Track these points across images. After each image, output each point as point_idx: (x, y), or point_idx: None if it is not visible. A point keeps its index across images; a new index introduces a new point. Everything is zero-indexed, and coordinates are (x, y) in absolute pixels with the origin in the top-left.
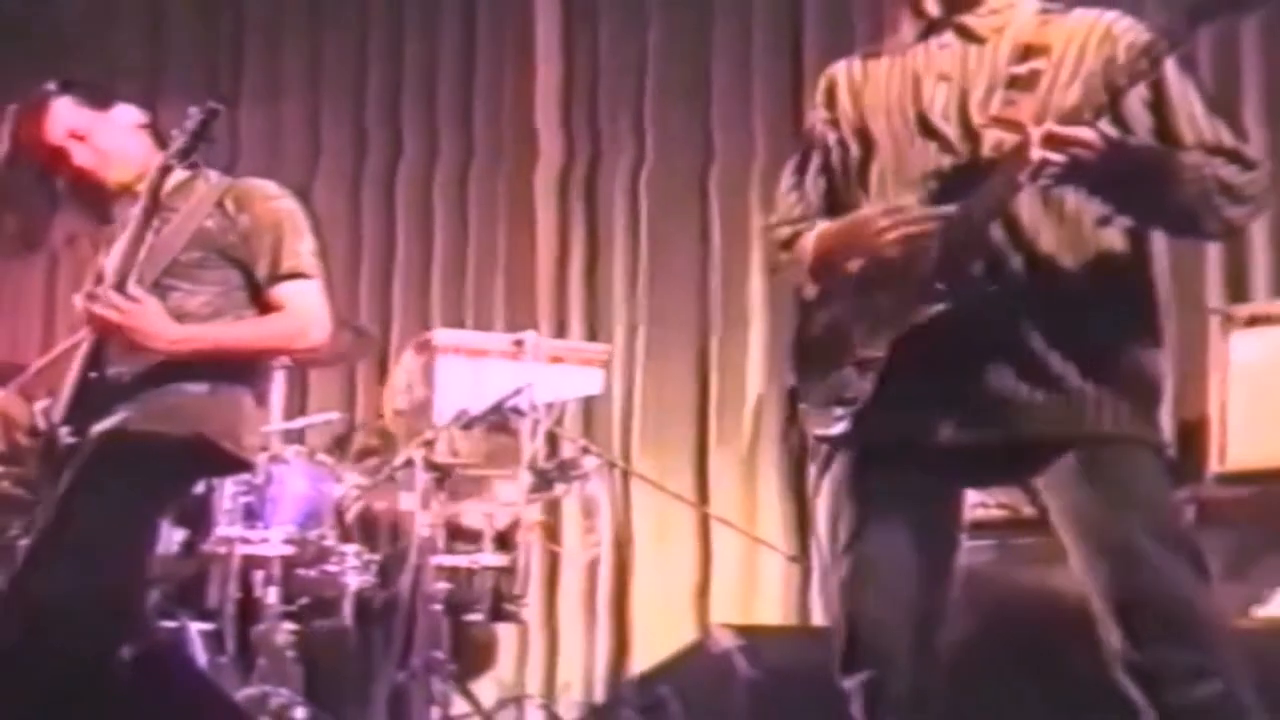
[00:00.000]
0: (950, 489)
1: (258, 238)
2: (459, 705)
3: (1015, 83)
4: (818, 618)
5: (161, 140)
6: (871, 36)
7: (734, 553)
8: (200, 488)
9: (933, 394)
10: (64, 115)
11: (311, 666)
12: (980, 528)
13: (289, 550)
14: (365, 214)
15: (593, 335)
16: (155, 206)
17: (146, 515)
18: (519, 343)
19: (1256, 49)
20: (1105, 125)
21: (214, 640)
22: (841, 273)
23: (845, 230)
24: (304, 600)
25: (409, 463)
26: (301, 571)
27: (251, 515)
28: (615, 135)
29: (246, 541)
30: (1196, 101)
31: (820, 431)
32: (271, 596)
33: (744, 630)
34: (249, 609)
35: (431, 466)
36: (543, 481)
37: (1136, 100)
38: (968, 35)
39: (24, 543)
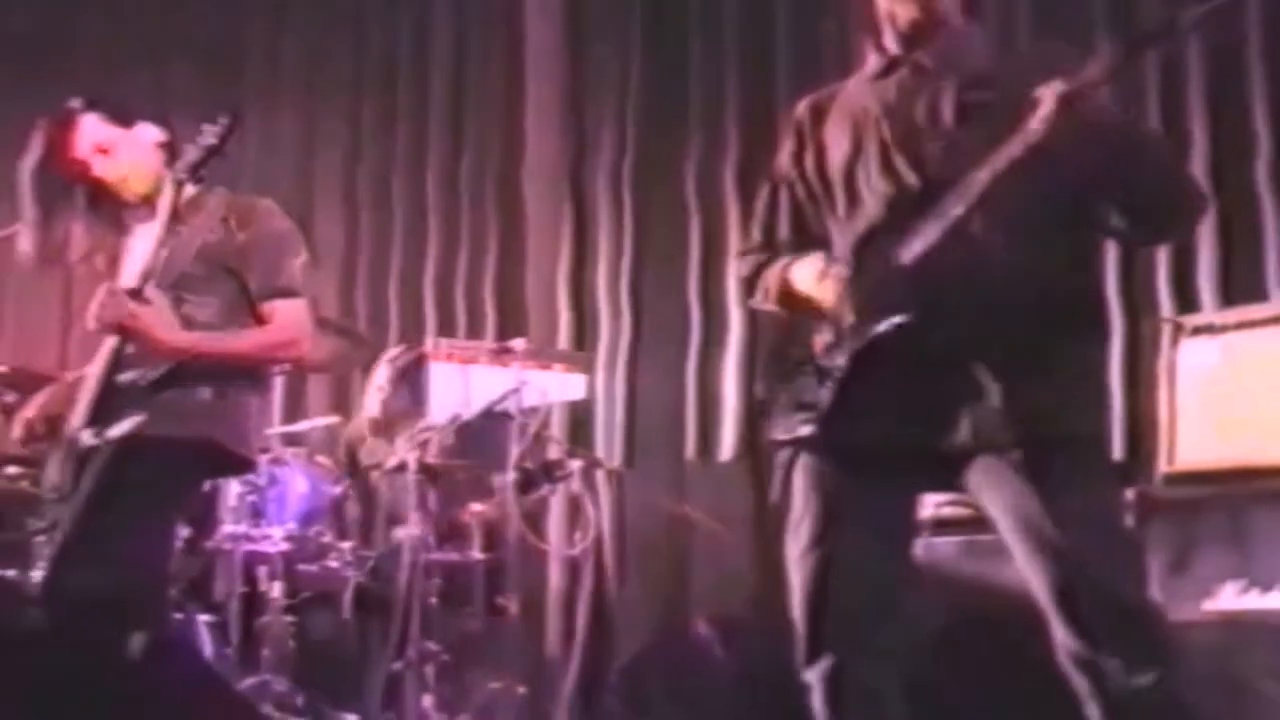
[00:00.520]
0: (905, 491)
1: (254, 253)
2: (451, 693)
3: (964, 111)
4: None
5: (176, 157)
6: (839, 65)
7: (712, 549)
8: (206, 488)
9: (888, 401)
10: (90, 130)
11: (312, 657)
12: (946, 525)
13: (290, 547)
14: (363, 225)
15: (578, 343)
16: (175, 218)
17: (162, 514)
18: (508, 350)
19: (1199, 72)
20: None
21: (220, 631)
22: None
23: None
24: (305, 594)
25: (402, 465)
26: (302, 567)
27: (255, 514)
28: (599, 150)
29: (250, 539)
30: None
31: (783, 436)
32: (274, 590)
33: (720, 621)
34: (253, 602)
35: (424, 468)
36: (529, 482)
37: None
38: (923, 70)
39: (42, 539)
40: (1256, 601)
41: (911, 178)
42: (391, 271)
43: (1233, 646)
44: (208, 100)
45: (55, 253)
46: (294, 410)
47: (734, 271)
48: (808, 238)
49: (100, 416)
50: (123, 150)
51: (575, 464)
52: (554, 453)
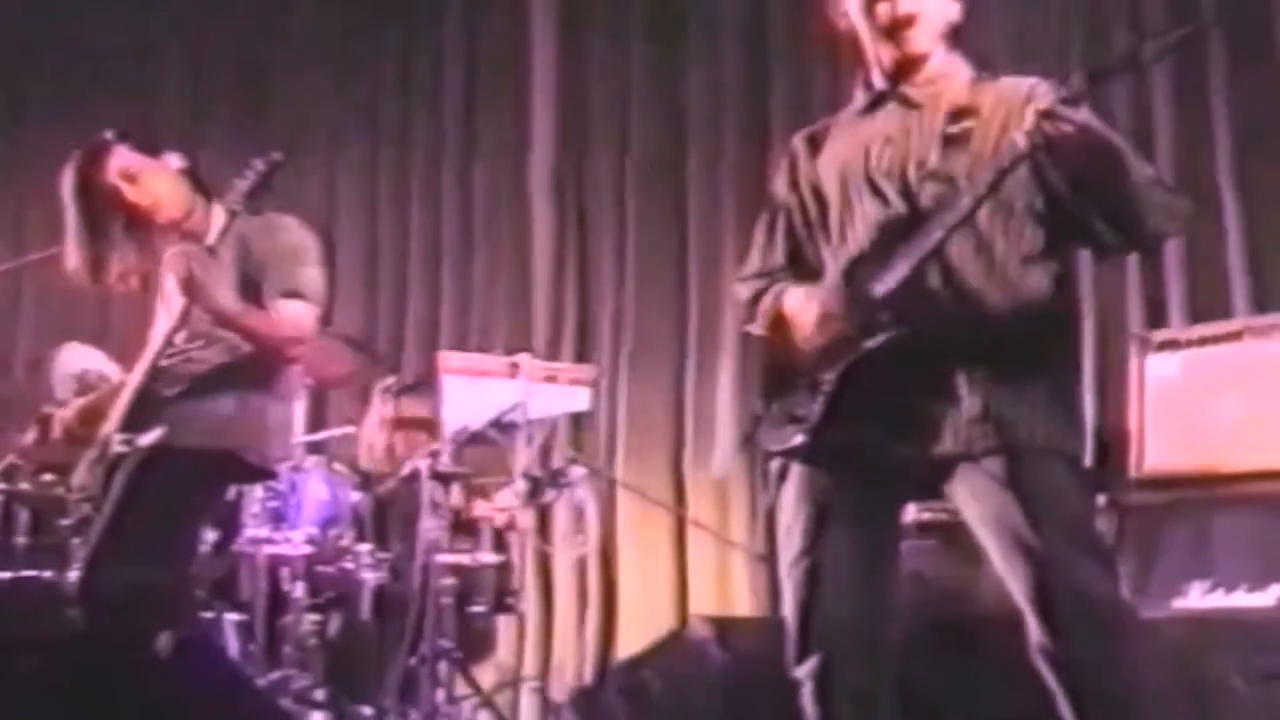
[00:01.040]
0: (891, 498)
1: (272, 261)
2: (462, 687)
3: (949, 141)
4: (784, 610)
5: (202, 185)
6: (830, 100)
7: (708, 552)
8: (231, 494)
9: (875, 414)
10: (119, 160)
11: (332, 653)
12: (926, 529)
13: (311, 549)
14: (382, 249)
15: (581, 357)
16: (224, 240)
17: (185, 519)
18: (515, 364)
19: (1166, 99)
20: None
21: (245, 630)
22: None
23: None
24: (325, 594)
25: (416, 473)
26: (322, 568)
27: (277, 518)
28: (601, 186)
29: (273, 542)
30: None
31: (776, 446)
32: (296, 591)
33: (717, 621)
34: (276, 602)
35: (436, 475)
36: (536, 488)
37: None
38: (908, 103)
39: (75, 541)
40: (1221, 601)
41: (901, 206)
42: (410, 291)
43: (1198, 643)
44: (240, 131)
45: (99, 271)
46: (316, 421)
47: (734, 295)
48: (804, 264)
49: (132, 424)
50: (150, 178)
51: (579, 471)
52: (559, 461)
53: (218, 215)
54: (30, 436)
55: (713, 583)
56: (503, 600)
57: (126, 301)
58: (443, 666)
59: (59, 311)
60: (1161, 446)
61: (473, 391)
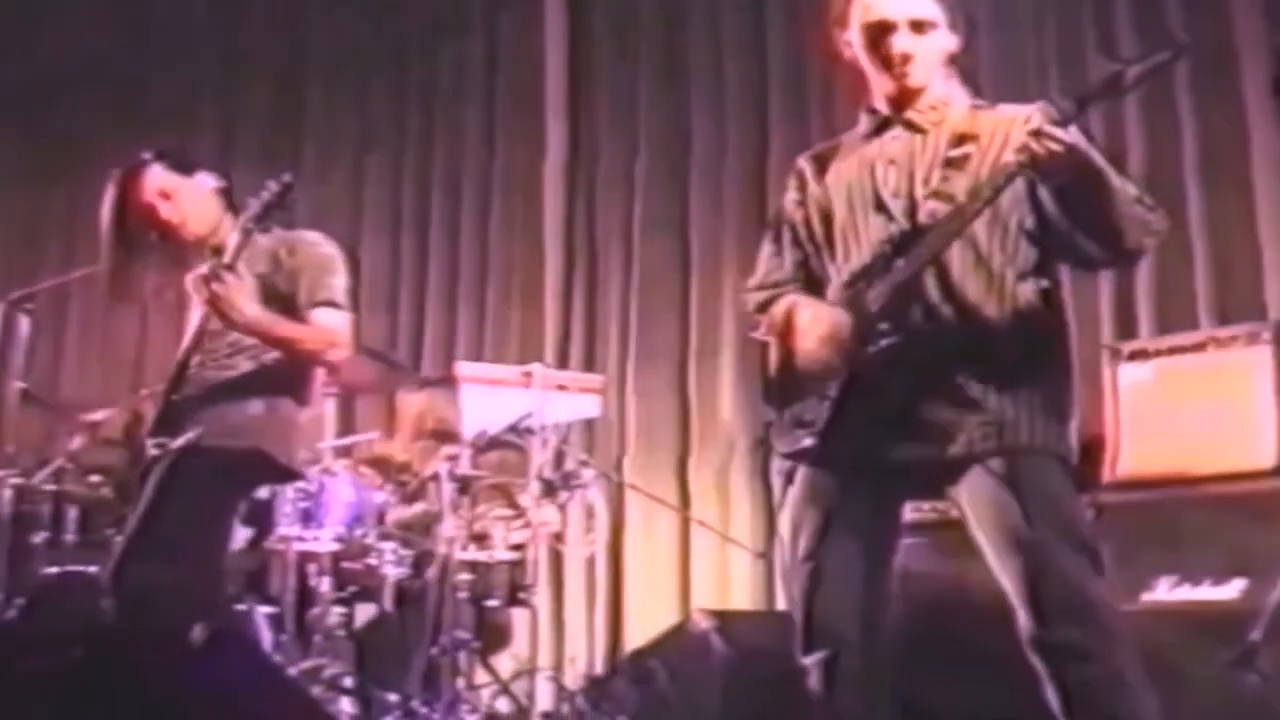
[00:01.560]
0: (894, 499)
1: (302, 274)
2: (481, 676)
3: (950, 164)
4: (781, 604)
5: (232, 203)
6: (824, 125)
7: (710, 550)
8: (264, 494)
9: (879, 419)
10: (155, 177)
11: (358, 644)
12: (916, 528)
13: (338, 547)
14: (403, 265)
15: (590, 367)
16: (236, 258)
17: (215, 516)
18: (528, 374)
19: (1136, 118)
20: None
21: (276, 622)
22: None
23: (797, 329)
24: (351, 589)
25: (435, 475)
26: (348, 564)
27: (307, 518)
28: (609, 204)
29: (302, 539)
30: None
31: (785, 450)
32: (324, 585)
33: (719, 614)
34: (306, 596)
35: (455, 478)
36: (549, 490)
37: None
38: (913, 128)
39: (118, 539)
40: (1187, 594)
41: (905, 223)
42: (428, 303)
43: (1166, 634)
44: (270, 149)
45: (129, 291)
46: (344, 426)
47: (742, 303)
48: (809, 275)
49: (164, 428)
50: (184, 196)
51: (589, 474)
52: (570, 464)
53: (230, 231)
54: (78, 441)
55: (714, 578)
56: (517, 595)
57: (163, 315)
58: (463, 656)
59: (102, 324)
60: (1134, 451)
61: (489, 399)
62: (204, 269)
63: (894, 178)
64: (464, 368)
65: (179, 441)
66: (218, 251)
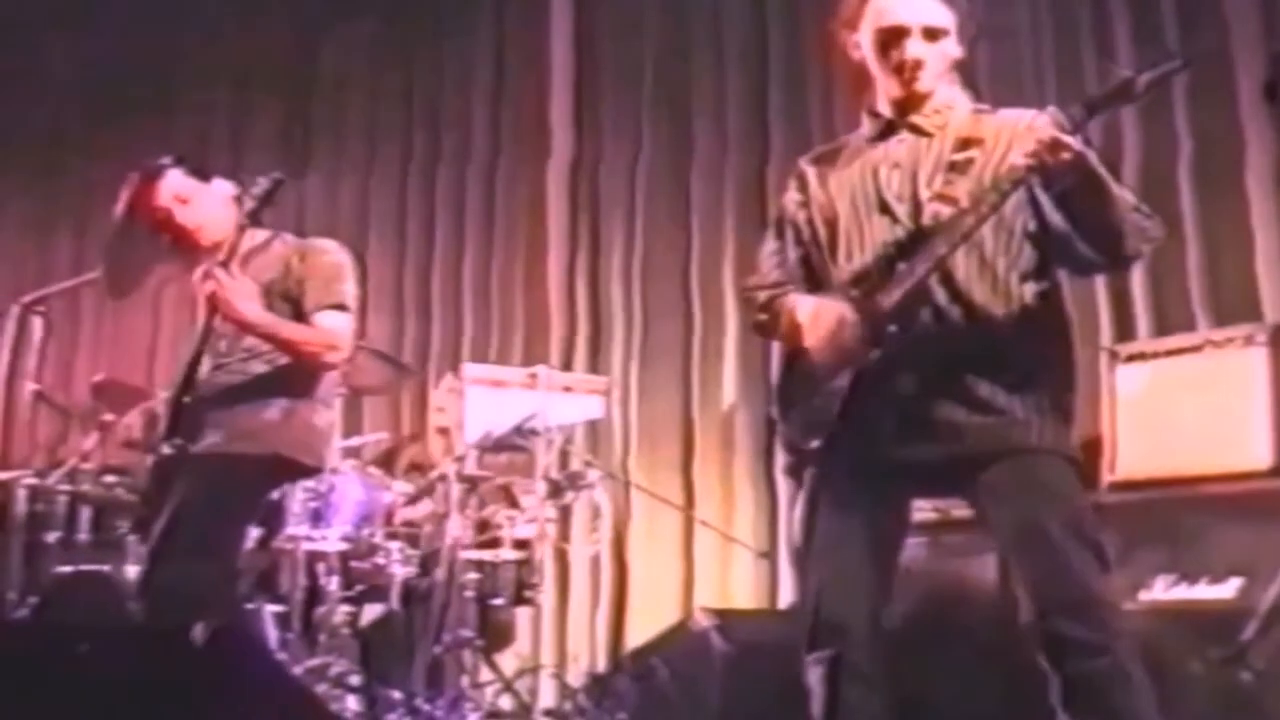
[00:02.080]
0: (902, 498)
1: (311, 279)
2: (485, 674)
3: (954, 167)
4: (781, 602)
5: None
6: (825, 127)
7: (713, 549)
8: (274, 494)
9: (887, 418)
10: (172, 183)
11: (364, 642)
12: (916, 528)
13: (346, 546)
14: (408, 267)
15: (595, 368)
16: (231, 257)
17: (235, 518)
18: (533, 375)
19: (1134, 127)
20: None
21: (284, 620)
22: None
23: (804, 326)
24: (359, 587)
25: (443, 476)
26: (356, 564)
27: (315, 517)
28: (612, 207)
29: (311, 539)
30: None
31: (792, 449)
32: (332, 584)
33: (720, 613)
34: (313, 594)
35: (462, 478)
36: (554, 490)
37: None
38: (917, 131)
39: (132, 538)
40: (1184, 593)
41: (909, 225)
42: (433, 305)
43: (1163, 631)
44: (282, 161)
45: (126, 286)
46: (352, 427)
47: (744, 300)
48: (811, 273)
49: (177, 431)
50: (200, 201)
51: (594, 474)
52: (576, 465)
53: (248, 238)
54: (91, 442)
55: (717, 577)
56: (522, 593)
57: (174, 318)
58: (467, 654)
59: (114, 327)
60: (1132, 452)
61: (494, 400)
62: (208, 268)
63: (897, 180)
64: (470, 369)
65: (199, 447)
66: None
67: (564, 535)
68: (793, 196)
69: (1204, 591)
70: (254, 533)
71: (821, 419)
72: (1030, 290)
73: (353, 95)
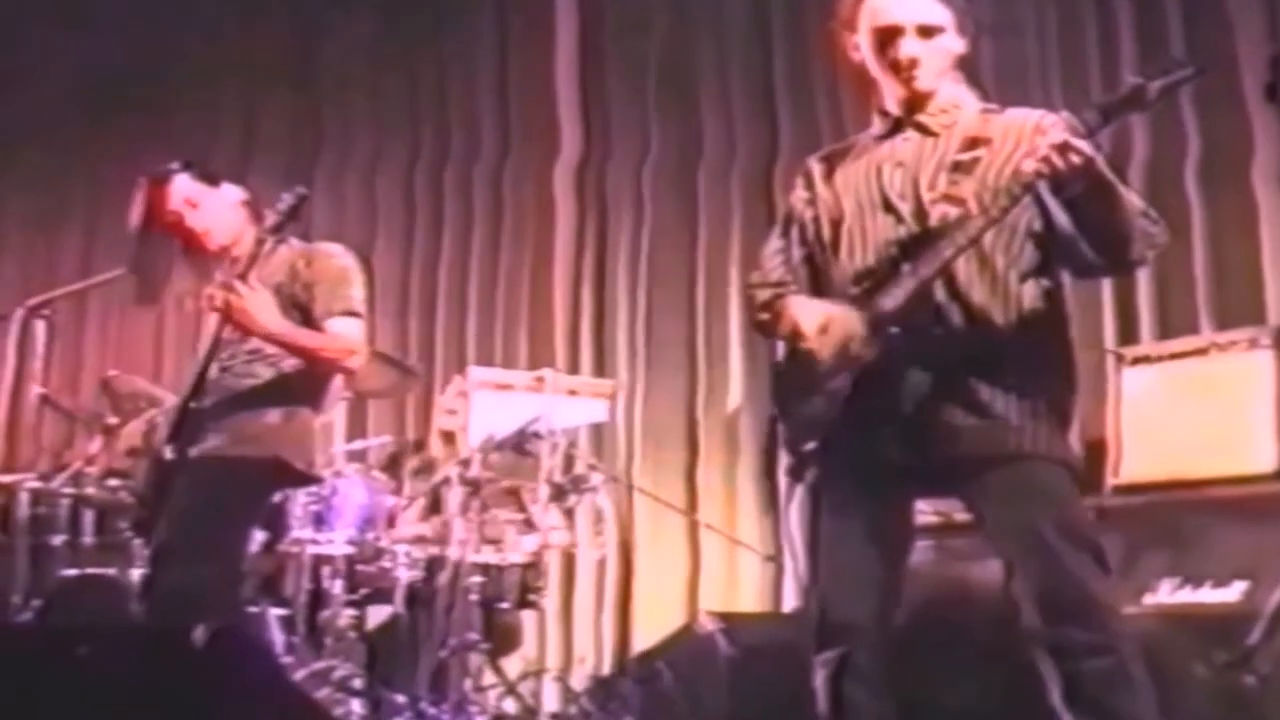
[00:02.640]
0: (903, 499)
1: (319, 285)
2: (489, 677)
3: (959, 167)
4: (786, 606)
5: (256, 214)
6: (832, 120)
7: (718, 552)
8: (277, 498)
9: (888, 420)
10: (182, 187)
11: (369, 645)
12: (920, 531)
13: (351, 549)
14: (414, 270)
15: (600, 371)
16: (250, 269)
17: (239, 524)
18: (539, 378)
19: (1140, 129)
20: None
21: (289, 623)
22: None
23: (805, 326)
24: (363, 591)
25: (447, 479)
26: (361, 567)
27: (320, 521)
28: (619, 210)
29: (316, 542)
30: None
31: (794, 451)
32: (336, 588)
33: (725, 616)
34: (318, 598)
35: (466, 482)
36: (559, 493)
37: None
38: (924, 130)
39: (136, 540)
40: (1188, 596)
41: (913, 225)
42: (439, 309)
43: (1168, 635)
44: (288, 161)
45: (155, 293)
46: (356, 430)
47: (748, 300)
48: (815, 273)
49: (181, 436)
50: (209, 206)
51: (598, 478)
52: (580, 468)
53: (251, 241)
54: (96, 445)
55: (722, 581)
56: (526, 597)
57: (179, 322)
58: (471, 658)
59: (119, 331)
60: (1136, 455)
61: (499, 404)
62: (218, 281)
63: (900, 179)
64: (476, 372)
65: (200, 449)
66: (237, 263)
67: (569, 539)
68: (800, 194)
69: (1208, 595)
70: (259, 537)
71: (822, 420)
72: (1030, 290)
73: (356, 95)
